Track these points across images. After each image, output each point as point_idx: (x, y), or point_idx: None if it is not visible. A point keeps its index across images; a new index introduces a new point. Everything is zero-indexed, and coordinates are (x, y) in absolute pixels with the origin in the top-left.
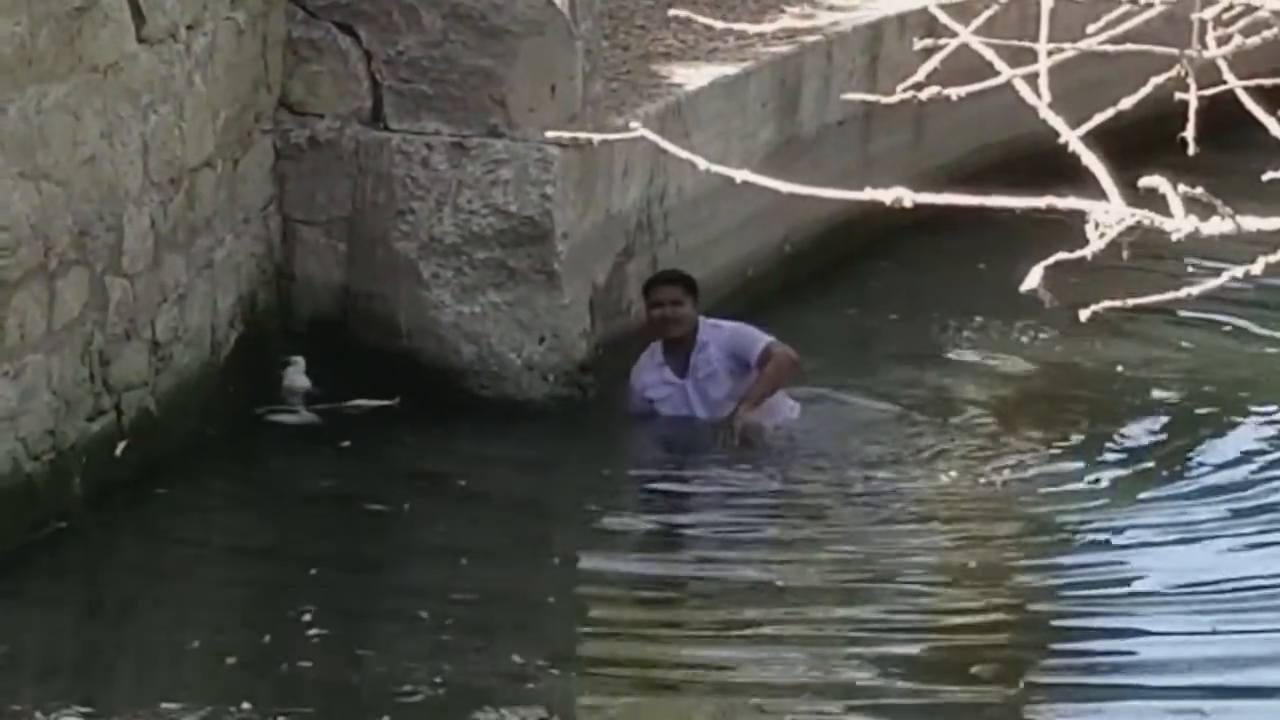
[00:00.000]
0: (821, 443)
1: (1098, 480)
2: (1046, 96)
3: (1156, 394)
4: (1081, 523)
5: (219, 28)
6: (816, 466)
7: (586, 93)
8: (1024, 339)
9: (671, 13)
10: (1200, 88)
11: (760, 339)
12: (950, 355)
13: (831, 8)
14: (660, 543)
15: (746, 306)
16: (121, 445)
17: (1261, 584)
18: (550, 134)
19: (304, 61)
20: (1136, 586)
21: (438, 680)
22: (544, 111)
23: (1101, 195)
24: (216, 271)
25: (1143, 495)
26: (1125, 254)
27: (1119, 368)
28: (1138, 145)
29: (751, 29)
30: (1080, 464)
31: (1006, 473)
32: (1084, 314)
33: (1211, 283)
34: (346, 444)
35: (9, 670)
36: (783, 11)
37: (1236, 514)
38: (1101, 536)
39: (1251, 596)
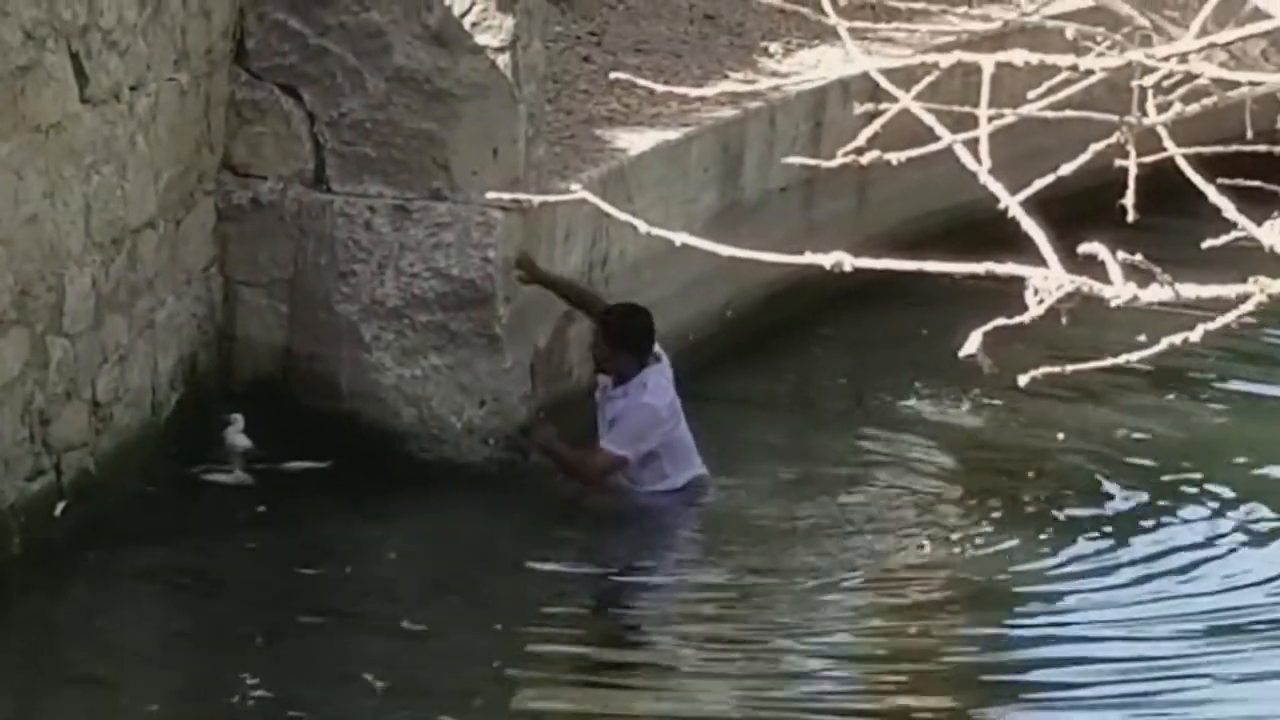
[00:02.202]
0: (756, 509)
1: (1037, 546)
2: (987, 162)
3: (1101, 457)
4: (1020, 590)
5: (162, 88)
6: (751, 534)
7: (529, 156)
8: (967, 404)
9: (613, 75)
10: (1143, 155)
11: (619, 439)
12: (892, 420)
13: (774, 73)
14: (595, 618)
15: (688, 370)
16: (61, 505)
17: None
18: (491, 194)
19: (247, 123)
20: (1071, 653)
21: None
22: (487, 175)
23: (1042, 262)
24: (158, 332)
25: (1082, 562)
26: (1064, 320)
27: (1061, 432)
28: (1080, 212)
29: (693, 93)
30: (1020, 529)
31: (944, 538)
32: (1023, 379)
33: (1150, 350)
34: (284, 506)
35: None
36: (725, 77)
37: (1181, 581)
38: (1039, 604)
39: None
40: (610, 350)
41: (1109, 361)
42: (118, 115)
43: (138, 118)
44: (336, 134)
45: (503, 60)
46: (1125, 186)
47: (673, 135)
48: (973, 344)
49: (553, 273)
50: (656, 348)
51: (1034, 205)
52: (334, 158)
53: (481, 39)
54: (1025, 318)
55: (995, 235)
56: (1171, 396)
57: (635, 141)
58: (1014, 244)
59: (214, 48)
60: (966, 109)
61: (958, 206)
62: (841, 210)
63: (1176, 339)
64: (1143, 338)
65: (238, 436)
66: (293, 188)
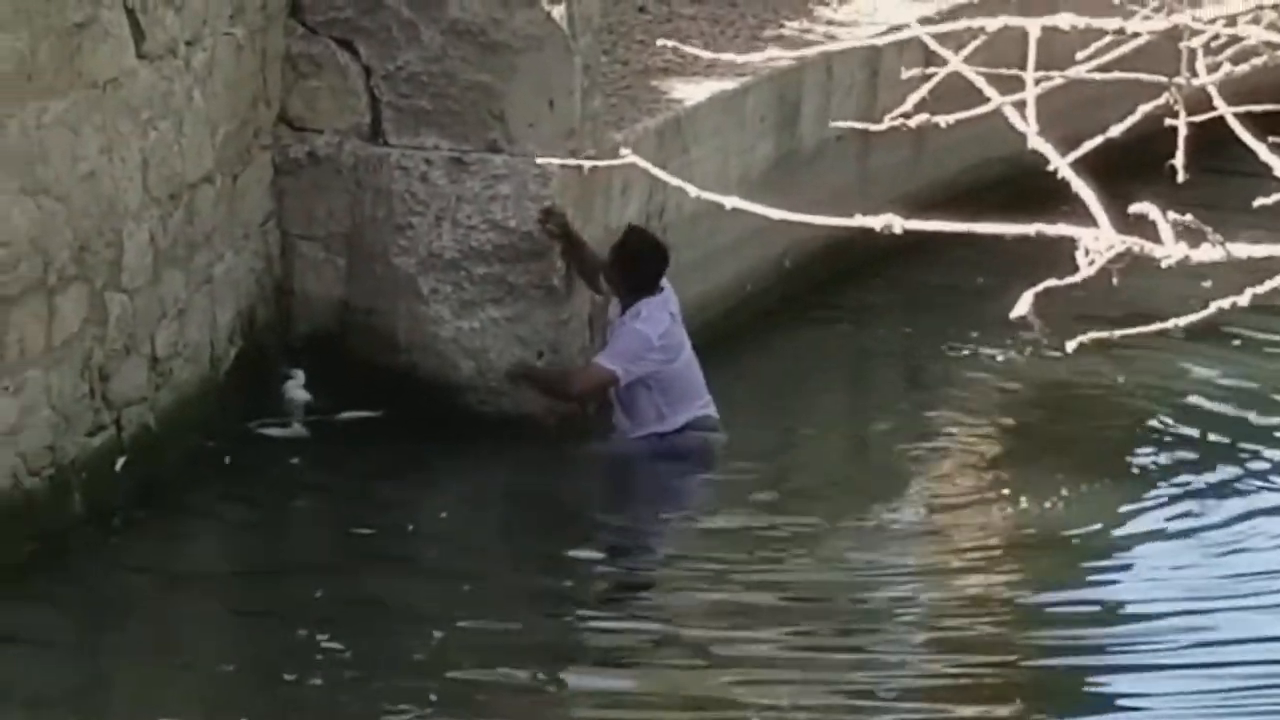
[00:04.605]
0: (812, 463)
1: (1097, 499)
2: (1034, 125)
3: (1159, 413)
4: (1083, 546)
5: (218, 44)
6: (807, 488)
7: (585, 108)
8: (1024, 354)
9: (660, 42)
10: (1192, 113)
11: (608, 355)
12: (949, 371)
13: (830, 21)
14: (653, 569)
15: (746, 321)
16: (121, 460)
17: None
18: (541, 160)
19: (303, 77)
20: (1138, 610)
21: (433, 699)
22: (543, 127)
23: (1093, 218)
24: (216, 287)
25: (1145, 519)
26: (1114, 280)
27: (1117, 382)
28: (1128, 164)
29: (739, 59)
30: (1080, 481)
31: (1000, 491)
32: (1070, 345)
33: (1200, 315)
34: (343, 458)
35: (4, 688)
36: (781, 26)
37: (1241, 536)
38: (1106, 561)
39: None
40: (617, 274)
41: (1157, 326)
42: (174, 71)
43: (194, 73)
44: (392, 87)
45: (558, 11)
46: (1173, 137)
47: (729, 85)
48: (1023, 305)
49: (579, 235)
50: (663, 281)
51: (1082, 159)
52: (390, 111)
53: None
54: (1076, 278)
55: (1052, 184)
56: (1230, 346)
57: (691, 92)
58: (1070, 192)
59: (269, 2)
60: (1013, 71)
61: (1016, 155)
62: (898, 159)
63: (1225, 303)
64: (1194, 290)
65: (298, 391)
66: (349, 141)
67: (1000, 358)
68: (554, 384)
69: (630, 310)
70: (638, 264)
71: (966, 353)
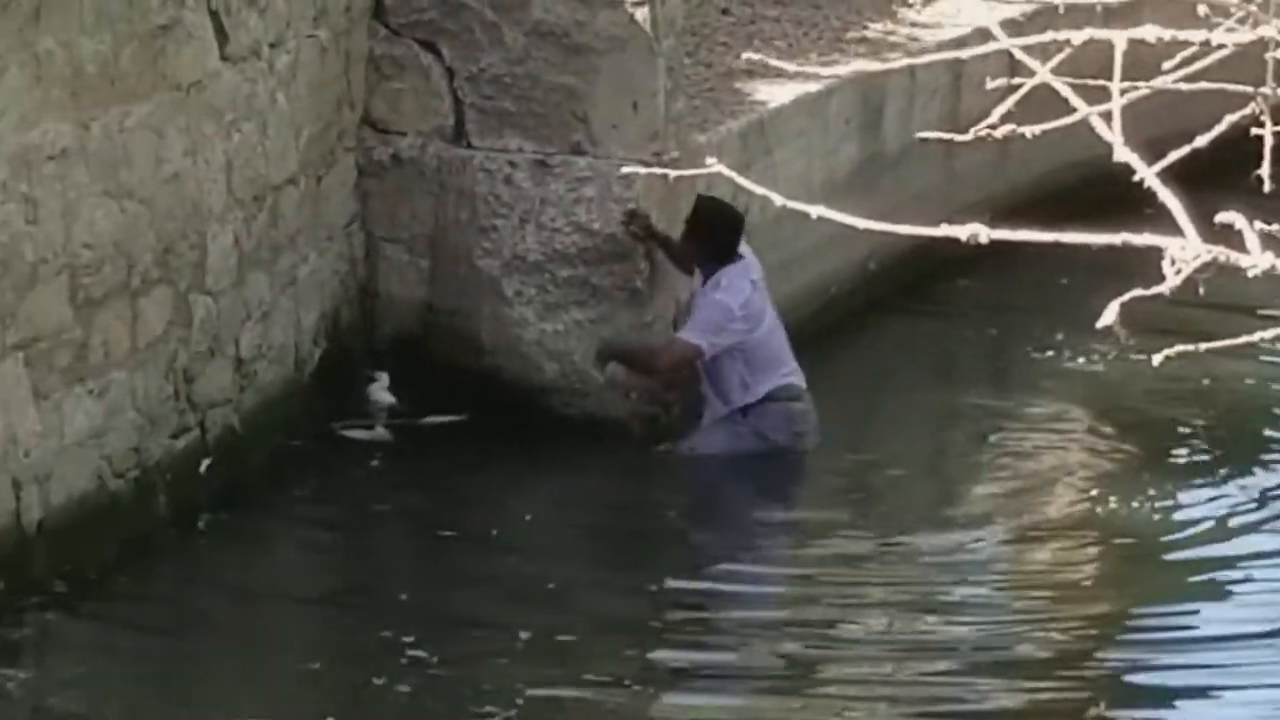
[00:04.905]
0: (898, 466)
1: (1187, 501)
2: (1120, 136)
3: (1249, 417)
4: (1175, 556)
5: (302, 46)
6: (893, 491)
7: (669, 110)
8: (1109, 355)
9: (745, 55)
10: (1278, 123)
11: (691, 329)
12: (1034, 373)
13: (913, 23)
14: (741, 578)
15: (831, 324)
16: (206, 462)
17: None
18: (625, 169)
19: (386, 79)
20: (1231, 630)
21: (519, 703)
22: (626, 129)
23: (1178, 227)
24: (300, 288)
25: (1238, 527)
26: (1201, 290)
27: (1204, 382)
28: (1213, 169)
29: (824, 72)
30: (1170, 483)
31: (1090, 493)
32: (1156, 359)
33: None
34: (426, 461)
35: (94, 690)
36: (865, 28)
37: None
38: (1199, 575)
39: None
40: (692, 245)
41: (1243, 339)
42: (258, 73)
43: (278, 75)
44: (476, 89)
45: (641, 13)
46: (1259, 141)
47: (813, 87)
48: (1109, 315)
49: (664, 233)
50: (743, 247)
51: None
52: (474, 113)
53: None
54: (1163, 288)
55: (1138, 184)
56: None
57: (775, 94)
58: (1155, 198)
59: (353, 4)
60: (1099, 82)
61: (1101, 157)
62: (983, 161)
63: None
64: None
65: (382, 393)
66: (433, 143)
67: (1086, 359)
68: (640, 360)
69: (711, 281)
70: (712, 232)
71: (1052, 354)
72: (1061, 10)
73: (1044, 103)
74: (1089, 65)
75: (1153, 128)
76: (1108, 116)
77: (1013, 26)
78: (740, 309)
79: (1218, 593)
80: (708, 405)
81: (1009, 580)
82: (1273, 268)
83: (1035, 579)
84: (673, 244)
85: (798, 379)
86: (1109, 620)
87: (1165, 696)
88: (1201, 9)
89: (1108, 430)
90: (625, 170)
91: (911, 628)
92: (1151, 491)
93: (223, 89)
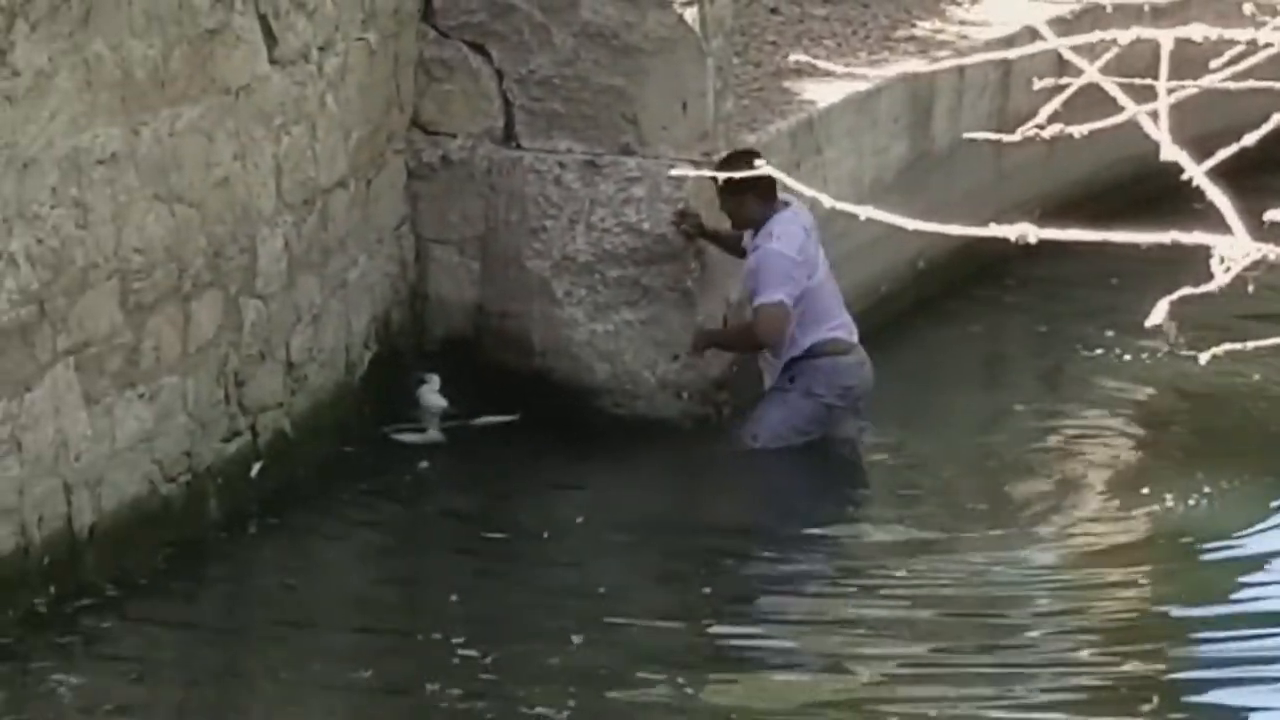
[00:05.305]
0: (947, 463)
1: (1239, 507)
2: (1167, 134)
3: None
4: (1227, 554)
5: (351, 48)
6: (943, 488)
7: (718, 110)
8: (1157, 354)
9: (793, 58)
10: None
11: (764, 289)
12: (1084, 371)
13: (962, 21)
14: (795, 580)
15: (881, 323)
16: (257, 466)
17: None
18: (675, 170)
19: (436, 81)
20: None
21: (571, 705)
22: (676, 129)
23: (1227, 226)
24: (350, 291)
25: None
26: (1250, 288)
27: (1255, 380)
28: (1262, 161)
29: (871, 73)
30: (1222, 489)
31: (1140, 491)
32: (1203, 357)
33: None
34: (477, 463)
35: (145, 694)
36: (913, 26)
37: None
38: (1252, 573)
39: None
40: (734, 200)
41: None
42: (307, 76)
43: (327, 78)
44: (525, 90)
45: (690, 14)
46: None
47: (862, 86)
48: (1159, 314)
49: (713, 230)
50: (789, 198)
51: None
52: (523, 114)
53: None
54: (1212, 286)
55: (1186, 186)
56: None
57: (824, 93)
58: (1203, 194)
59: (401, 7)
60: (1146, 81)
61: (1149, 153)
62: (1032, 158)
63: None
64: None
65: (433, 396)
66: (482, 145)
67: (1135, 357)
68: (739, 340)
69: (763, 231)
70: (735, 167)
71: (1101, 352)
72: (1109, 9)
73: (1092, 101)
74: (1136, 64)
75: (1200, 125)
76: (1155, 115)
77: (1061, 25)
78: (798, 253)
79: (1273, 588)
80: (767, 366)
81: (1059, 581)
82: None
83: (1085, 577)
84: (722, 234)
85: (845, 333)
86: (1162, 622)
87: (1227, 687)
88: (1248, 8)
89: (1159, 429)
90: (675, 171)
91: (961, 624)
92: (1207, 490)
93: (272, 92)
